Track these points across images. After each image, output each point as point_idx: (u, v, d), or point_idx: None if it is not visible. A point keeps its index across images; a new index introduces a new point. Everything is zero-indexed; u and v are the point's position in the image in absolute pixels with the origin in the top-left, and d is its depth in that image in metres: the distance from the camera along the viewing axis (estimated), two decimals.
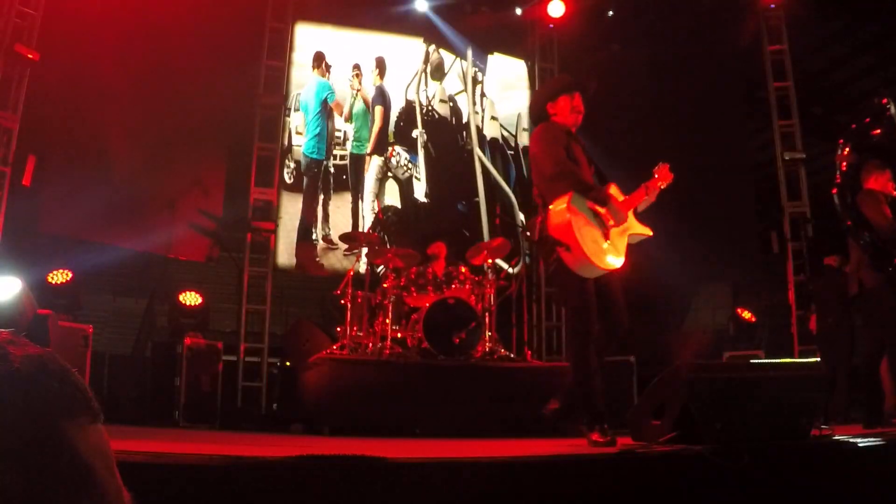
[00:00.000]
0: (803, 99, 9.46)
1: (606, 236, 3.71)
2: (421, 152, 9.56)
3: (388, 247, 7.64)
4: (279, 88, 8.98)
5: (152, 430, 5.72)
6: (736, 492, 2.49)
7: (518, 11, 9.79)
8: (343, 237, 7.99)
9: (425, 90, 9.82)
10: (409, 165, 9.52)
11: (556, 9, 9.59)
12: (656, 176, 3.89)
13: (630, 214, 3.84)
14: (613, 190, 3.82)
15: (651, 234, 4.00)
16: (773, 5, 9.38)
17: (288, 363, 8.10)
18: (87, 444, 0.73)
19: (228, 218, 8.51)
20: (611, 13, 9.69)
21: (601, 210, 3.72)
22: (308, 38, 9.43)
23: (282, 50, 9.06)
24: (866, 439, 3.07)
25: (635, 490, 2.45)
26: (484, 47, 10.09)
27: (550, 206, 3.72)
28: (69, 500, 0.69)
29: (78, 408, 0.74)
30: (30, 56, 6.74)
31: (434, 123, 9.79)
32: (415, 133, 9.62)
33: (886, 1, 8.92)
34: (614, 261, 3.70)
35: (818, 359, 7.14)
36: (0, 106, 6.70)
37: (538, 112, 4.02)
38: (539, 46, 10.16)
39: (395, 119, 9.54)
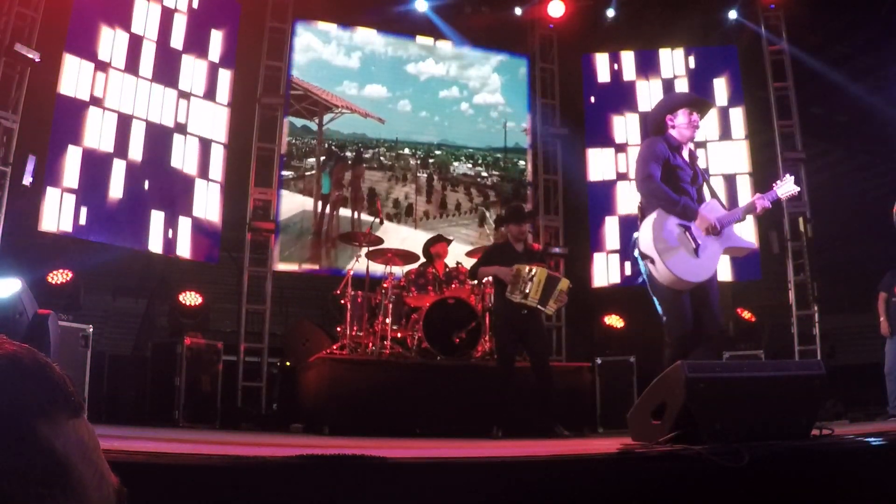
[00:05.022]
0: (803, 99, 9.47)
1: (696, 252, 3.86)
2: None
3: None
4: (279, 88, 8.99)
5: (152, 430, 5.71)
6: (736, 492, 2.49)
7: (518, 11, 9.79)
8: (343, 237, 8.00)
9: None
10: None
11: (556, 9, 9.60)
12: (774, 187, 4.05)
13: (731, 229, 3.98)
14: (709, 209, 3.97)
15: (754, 247, 4.16)
16: (772, 5, 9.39)
17: (288, 363, 8.09)
18: (65, 440, 0.71)
19: (228, 218, 8.51)
20: (611, 13, 9.69)
21: (690, 227, 3.89)
22: (308, 37, 9.44)
23: (282, 50, 9.07)
24: (866, 439, 3.06)
25: (635, 490, 2.45)
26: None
27: (643, 222, 3.97)
28: (38, 497, 0.68)
29: (55, 405, 0.72)
30: (30, 56, 6.73)
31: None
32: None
33: (886, 1, 8.92)
34: (701, 275, 3.86)
35: (818, 359, 7.14)
36: (0, 106, 6.70)
37: (657, 121, 4.21)
38: (539, 46, 10.16)
39: None
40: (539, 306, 5.67)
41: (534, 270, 5.65)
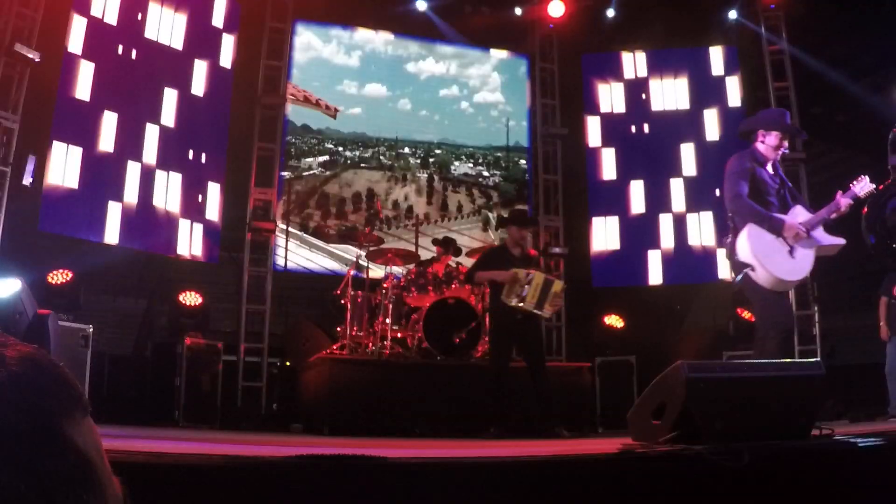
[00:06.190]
0: (803, 99, 9.46)
1: (791, 254, 4.14)
2: None
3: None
4: (279, 88, 8.99)
5: (152, 430, 5.72)
6: (736, 492, 2.49)
7: (518, 11, 9.78)
8: (343, 237, 8.00)
9: None
10: None
11: (556, 9, 9.60)
12: (852, 187, 4.24)
13: (819, 230, 4.21)
14: (794, 215, 4.21)
15: (843, 242, 4.40)
16: (772, 5, 9.38)
17: (288, 363, 8.10)
18: (83, 438, 0.73)
19: (228, 218, 8.51)
20: (611, 13, 9.69)
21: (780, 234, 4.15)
22: (308, 36, 9.43)
23: (282, 50, 9.06)
24: (866, 439, 3.06)
25: (635, 490, 2.45)
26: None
27: (740, 233, 4.20)
28: (76, 497, 0.69)
29: (73, 404, 0.74)
30: (30, 56, 6.73)
31: None
32: None
33: (886, 1, 8.92)
34: (799, 273, 4.18)
35: (818, 359, 7.12)
36: (0, 106, 6.70)
37: (748, 131, 4.44)
38: (539, 46, 10.15)
39: None
40: (535, 311, 5.63)
41: (531, 274, 5.59)
